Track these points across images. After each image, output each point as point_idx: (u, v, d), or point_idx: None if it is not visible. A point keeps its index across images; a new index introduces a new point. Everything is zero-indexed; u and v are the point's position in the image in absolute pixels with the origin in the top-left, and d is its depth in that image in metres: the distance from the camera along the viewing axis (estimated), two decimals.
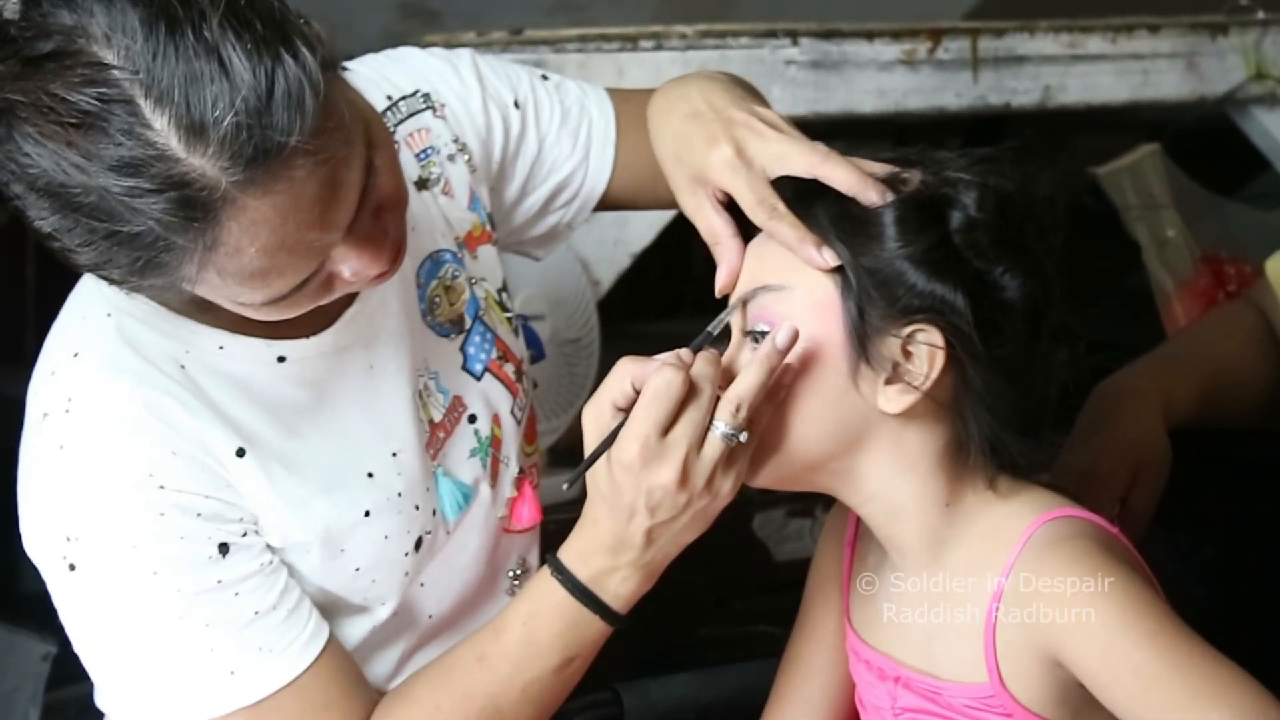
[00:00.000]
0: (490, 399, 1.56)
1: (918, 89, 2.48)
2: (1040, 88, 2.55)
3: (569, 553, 1.35)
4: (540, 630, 1.36)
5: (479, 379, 1.56)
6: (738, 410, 1.24)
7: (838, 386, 1.27)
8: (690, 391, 1.25)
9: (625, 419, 1.26)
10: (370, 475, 1.45)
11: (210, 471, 1.37)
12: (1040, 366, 1.28)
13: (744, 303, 1.30)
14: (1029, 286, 1.27)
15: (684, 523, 1.30)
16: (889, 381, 1.26)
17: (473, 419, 1.54)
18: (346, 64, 1.53)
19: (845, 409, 1.28)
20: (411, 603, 1.50)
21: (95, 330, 1.38)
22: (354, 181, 1.22)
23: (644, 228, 2.34)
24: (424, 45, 2.08)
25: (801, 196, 1.31)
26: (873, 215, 1.27)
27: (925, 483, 1.30)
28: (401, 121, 1.53)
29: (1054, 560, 1.24)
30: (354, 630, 1.47)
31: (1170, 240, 2.86)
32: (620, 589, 1.34)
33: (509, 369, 1.58)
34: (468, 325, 1.55)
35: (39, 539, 1.35)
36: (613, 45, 2.30)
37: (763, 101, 1.51)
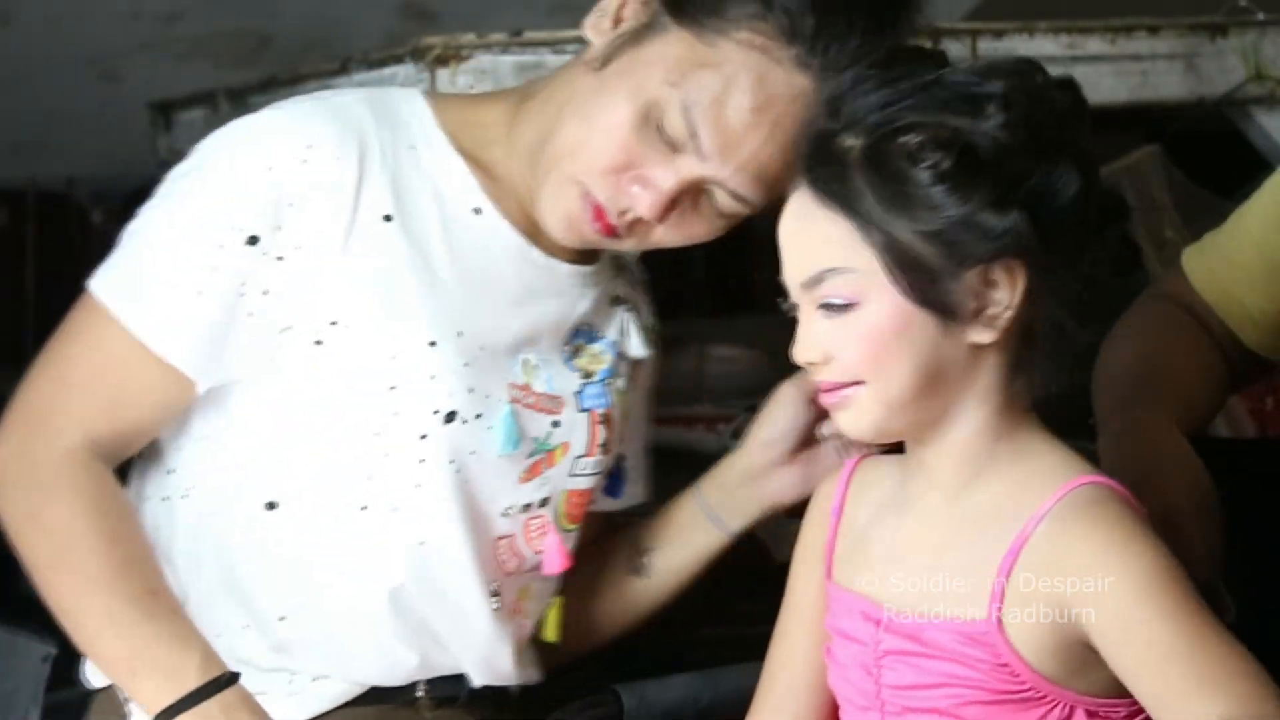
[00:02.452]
0: (575, 428, 1.61)
1: None
2: None
3: None
4: None
5: (581, 411, 1.62)
6: None
7: (930, 338, 1.28)
8: None
9: None
10: (460, 334, 1.53)
11: (345, 197, 1.51)
12: (1094, 245, 1.31)
13: (809, 285, 1.31)
14: (1076, 180, 1.28)
15: None
16: (975, 316, 1.28)
17: (556, 424, 1.59)
18: None
19: (940, 355, 1.29)
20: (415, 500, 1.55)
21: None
22: (773, 150, 1.45)
23: None
24: (423, 47, 2.09)
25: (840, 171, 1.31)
26: (919, 189, 1.27)
27: (993, 411, 1.32)
28: None
29: (1089, 520, 1.25)
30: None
31: (1170, 241, 2.85)
32: None
33: (602, 432, 1.64)
34: (595, 379, 1.63)
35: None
36: None
37: None
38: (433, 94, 1.65)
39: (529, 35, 2.26)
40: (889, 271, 1.27)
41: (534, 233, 1.59)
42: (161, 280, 1.51)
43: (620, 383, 1.67)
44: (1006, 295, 1.28)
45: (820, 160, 1.31)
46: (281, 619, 1.55)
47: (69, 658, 1.54)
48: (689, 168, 1.49)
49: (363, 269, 1.51)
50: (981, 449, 1.32)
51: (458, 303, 1.55)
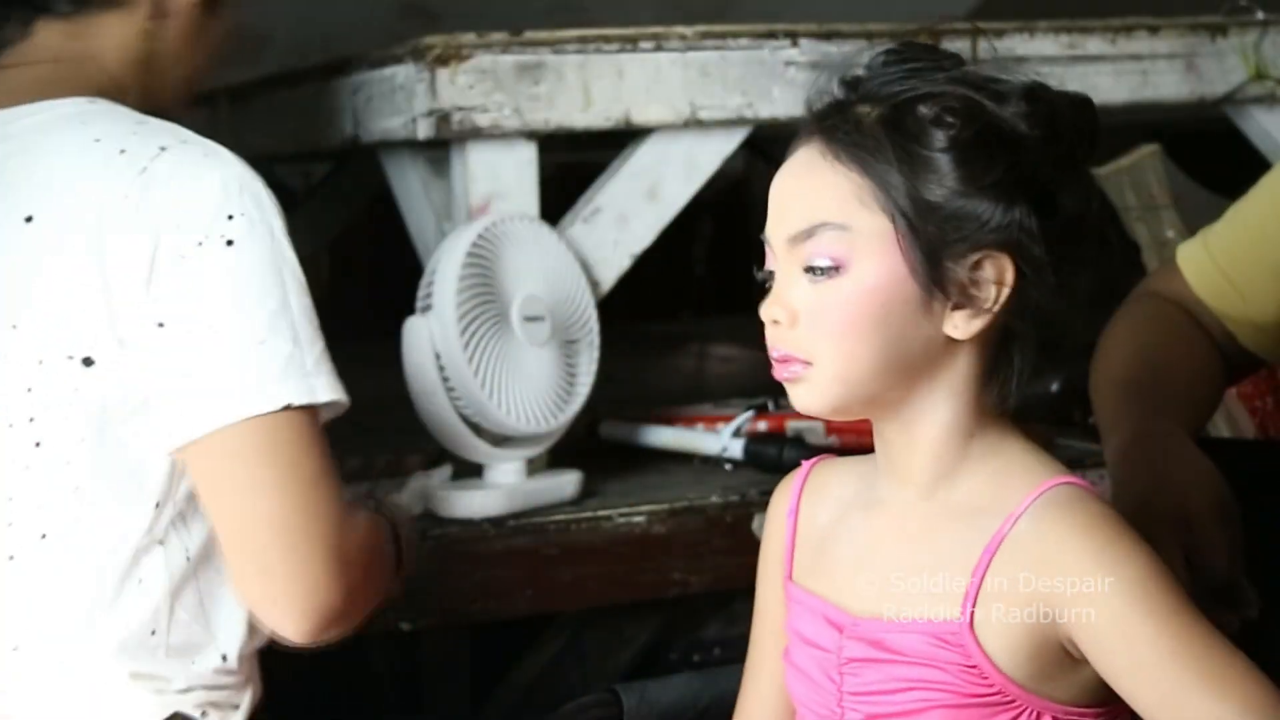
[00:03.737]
0: None
1: None
2: None
3: None
4: None
5: None
6: None
7: (906, 318, 1.26)
8: None
9: None
10: None
11: None
12: (1085, 269, 1.28)
13: (798, 239, 1.27)
14: (1081, 198, 1.27)
15: None
16: (956, 307, 1.26)
17: None
18: None
19: (913, 339, 1.27)
20: None
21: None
22: None
23: (644, 228, 2.34)
24: (424, 47, 2.09)
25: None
26: (933, 155, 1.25)
27: (963, 409, 1.29)
28: None
29: (1073, 519, 1.24)
30: None
31: (1170, 241, 2.86)
32: None
33: None
34: None
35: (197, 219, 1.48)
36: (612, 46, 2.30)
37: None
38: None
39: (529, 35, 2.26)
40: (899, 231, 1.25)
41: None
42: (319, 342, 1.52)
43: None
44: (993, 292, 1.25)
45: (836, 119, 1.29)
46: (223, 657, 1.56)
47: None
48: None
49: None
50: (953, 446, 1.29)
51: None
